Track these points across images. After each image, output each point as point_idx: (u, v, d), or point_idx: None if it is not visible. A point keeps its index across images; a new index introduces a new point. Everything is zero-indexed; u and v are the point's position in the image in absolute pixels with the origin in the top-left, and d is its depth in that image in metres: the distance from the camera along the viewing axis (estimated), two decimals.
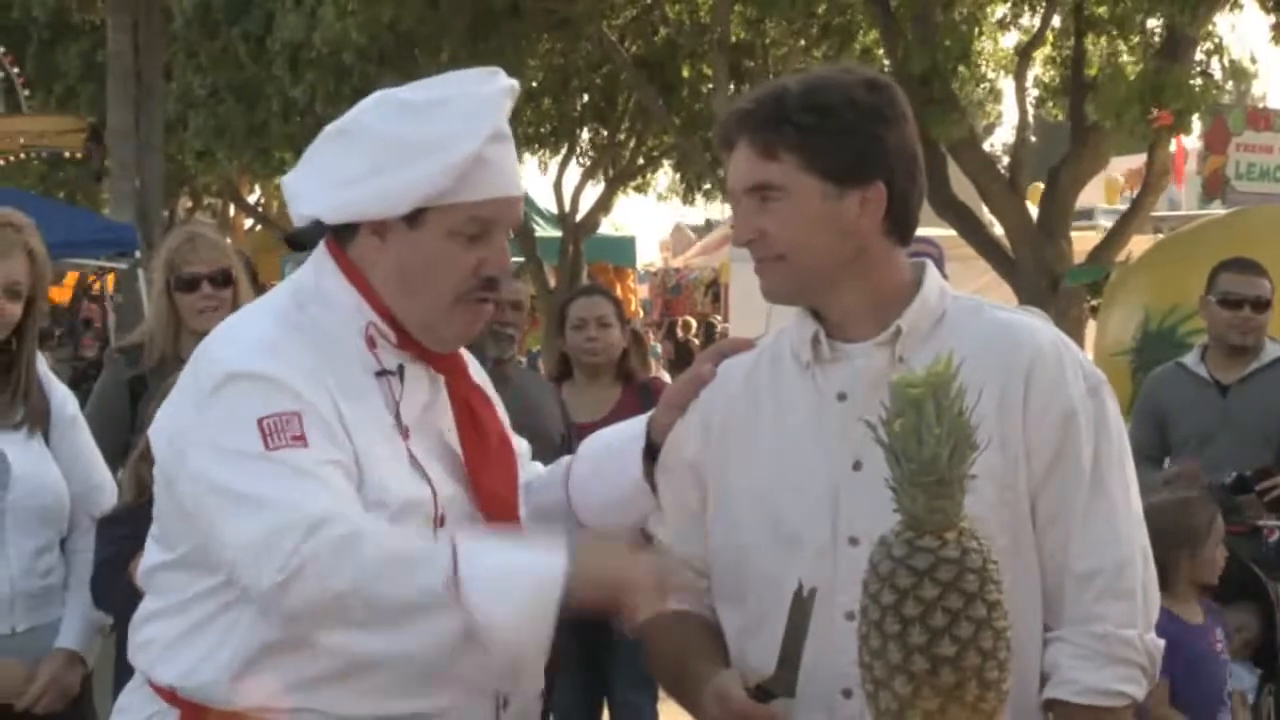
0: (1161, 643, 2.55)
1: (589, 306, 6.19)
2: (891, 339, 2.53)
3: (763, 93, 2.56)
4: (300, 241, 4.75)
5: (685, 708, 2.60)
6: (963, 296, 2.66)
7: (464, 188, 2.52)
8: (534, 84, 20.05)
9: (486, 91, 2.57)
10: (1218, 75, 14.59)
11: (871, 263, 2.56)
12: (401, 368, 2.56)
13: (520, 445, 2.85)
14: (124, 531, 3.79)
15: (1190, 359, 6.30)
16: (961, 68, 14.28)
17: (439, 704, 2.49)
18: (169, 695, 2.54)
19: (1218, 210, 14.40)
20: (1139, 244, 15.46)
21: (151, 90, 19.17)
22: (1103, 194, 22.15)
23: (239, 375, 2.44)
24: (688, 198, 24.27)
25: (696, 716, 2.53)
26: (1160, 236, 15.69)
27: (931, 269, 2.63)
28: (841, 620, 2.43)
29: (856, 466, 2.48)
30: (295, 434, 2.38)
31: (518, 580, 2.33)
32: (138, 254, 14.51)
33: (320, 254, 2.63)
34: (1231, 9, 14.19)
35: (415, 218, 2.52)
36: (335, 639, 2.36)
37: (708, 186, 23.26)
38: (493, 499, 2.60)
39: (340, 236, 2.60)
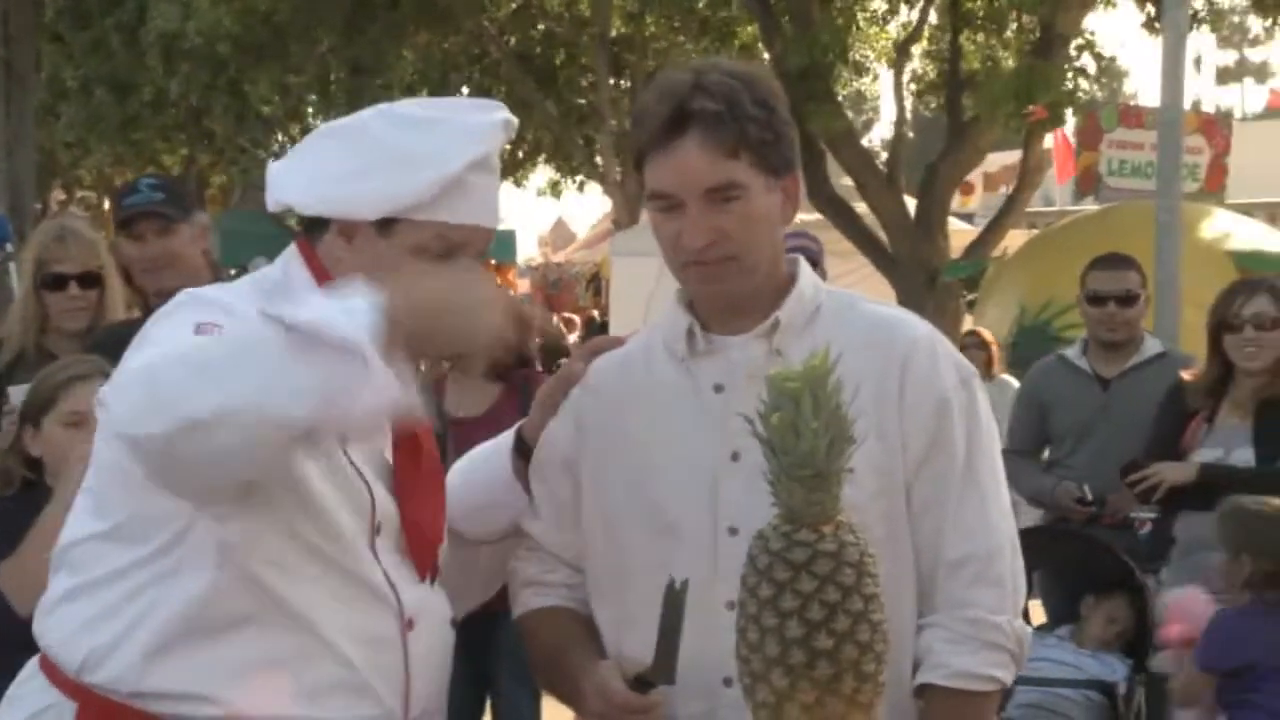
0: (1029, 629, 2.58)
1: None
2: (769, 331, 2.53)
3: (709, 87, 2.46)
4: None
5: (563, 701, 2.60)
6: (835, 291, 2.66)
7: (439, 207, 2.47)
8: (412, 76, 19.92)
9: (483, 120, 2.54)
10: (1091, 71, 14.80)
11: (776, 255, 2.57)
12: None
13: None
14: None
15: (1072, 352, 6.36)
16: (839, 63, 14.37)
17: (349, 715, 2.44)
18: (69, 685, 2.47)
19: (1091, 206, 14.62)
20: (1014, 239, 15.66)
21: (23, 81, 18.83)
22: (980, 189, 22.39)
23: (193, 298, 2.44)
24: (555, 190, 24.20)
25: (575, 709, 2.52)
26: (1035, 232, 15.92)
27: (804, 263, 2.62)
28: (722, 610, 2.42)
29: (735, 457, 2.47)
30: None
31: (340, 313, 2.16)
32: (9, 246, 14.25)
33: (290, 250, 2.59)
34: (1106, 6, 14.42)
35: (386, 226, 2.47)
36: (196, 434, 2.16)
37: (581, 179, 23.26)
38: (415, 526, 2.55)
39: (311, 235, 2.56)
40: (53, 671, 2.50)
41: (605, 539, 2.59)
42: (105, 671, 2.42)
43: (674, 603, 2.35)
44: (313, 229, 2.55)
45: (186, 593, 2.37)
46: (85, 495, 2.55)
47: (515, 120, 2.60)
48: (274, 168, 2.62)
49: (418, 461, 2.60)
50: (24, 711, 2.52)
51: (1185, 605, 4.97)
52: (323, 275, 2.51)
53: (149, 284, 4.63)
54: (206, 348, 2.23)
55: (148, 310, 4.04)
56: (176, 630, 2.39)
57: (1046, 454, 6.47)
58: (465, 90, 21.70)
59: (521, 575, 2.72)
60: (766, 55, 15.89)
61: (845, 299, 2.64)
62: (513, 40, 20.52)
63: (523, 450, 2.70)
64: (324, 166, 2.53)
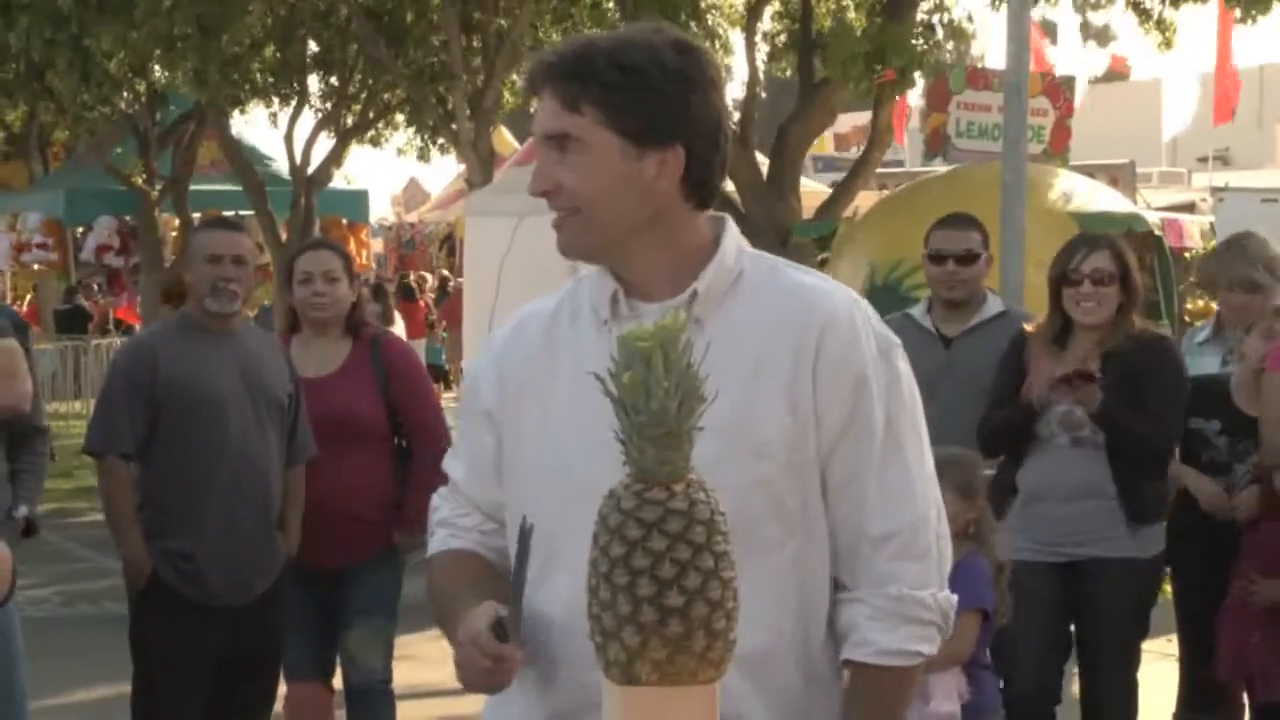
0: (955, 597, 2.62)
1: (316, 261, 6.10)
2: (688, 301, 2.54)
3: (569, 46, 2.56)
4: None
5: (450, 642, 2.61)
6: (760, 256, 2.67)
7: None
8: (259, 32, 19.59)
9: None
10: (939, 34, 14.93)
11: (669, 226, 2.57)
12: None
13: None
14: None
15: (917, 311, 6.45)
16: (692, 23, 14.35)
17: None
18: None
19: (939, 167, 14.78)
20: (865, 200, 15.79)
21: None
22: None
23: None
24: (424, 155, 23.97)
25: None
26: (885, 193, 16.06)
27: (731, 226, 2.64)
28: None
29: None
30: None
31: None
32: None
33: None
34: None
35: None
36: None
37: (442, 141, 23.05)
38: None
39: None
40: None
41: (521, 497, 2.60)
42: None
43: (524, 545, 2.38)
44: None
45: None
46: None
47: None
48: None
49: None
50: None
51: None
52: None
53: None
54: None
55: None
56: None
57: None
58: (313, 47, 21.40)
59: (438, 515, 2.78)
60: (618, 15, 15.85)
61: (768, 265, 2.65)
62: None
63: None
64: None
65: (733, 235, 2.63)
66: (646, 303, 2.57)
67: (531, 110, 2.71)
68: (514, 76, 19.57)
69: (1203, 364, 6.40)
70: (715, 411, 2.20)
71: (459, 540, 2.72)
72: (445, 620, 2.62)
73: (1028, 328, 5.93)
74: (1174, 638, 6.71)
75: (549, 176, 2.54)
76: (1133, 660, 5.76)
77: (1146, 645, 5.92)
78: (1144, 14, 14.91)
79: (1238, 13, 13.68)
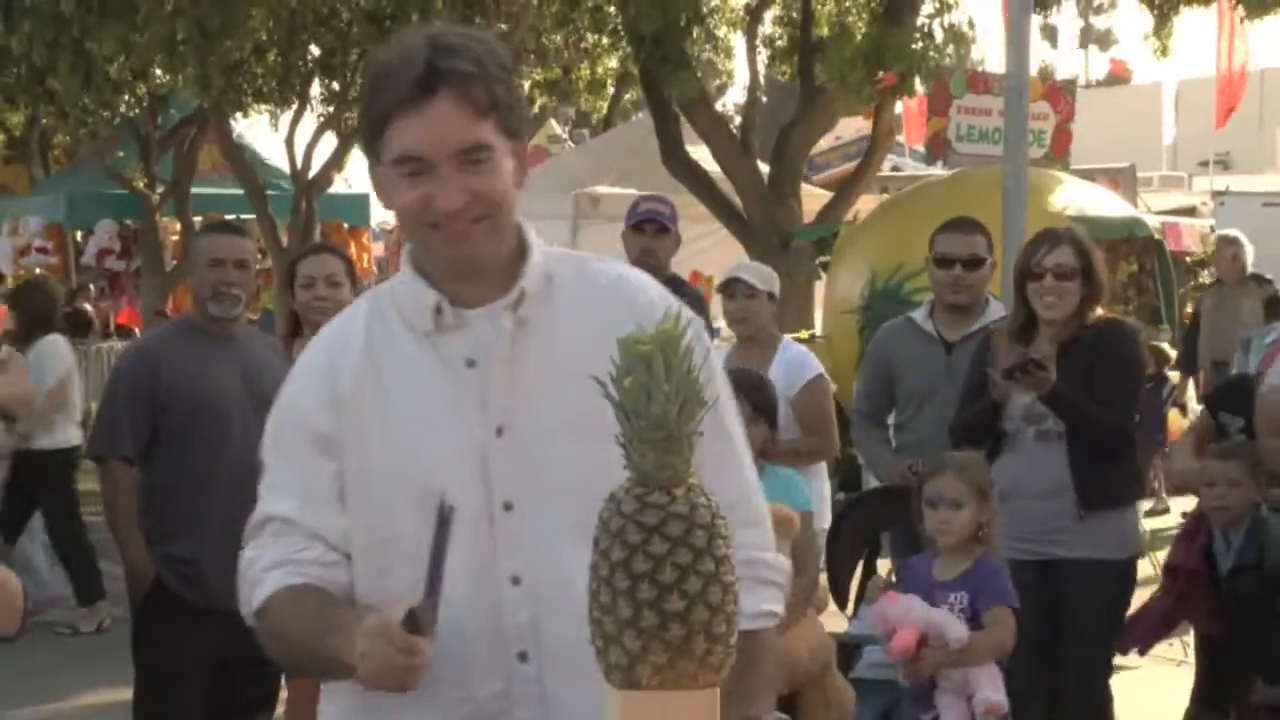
0: (788, 561, 2.70)
1: (318, 265, 6.09)
2: (515, 302, 2.51)
3: (458, 48, 2.44)
4: None
5: (323, 674, 2.52)
6: (561, 253, 2.66)
7: None
8: (261, 36, 19.59)
9: None
10: (939, 38, 14.94)
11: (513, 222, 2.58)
12: None
13: None
14: None
15: (919, 315, 6.45)
16: (694, 26, 14.37)
17: None
18: None
19: (940, 171, 14.80)
20: (865, 204, 15.81)
21: None
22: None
23: None
24: None
25: (337, 675, 2.45)
26: (886, 196, 16.07)
27: (529, 227, 2.61)
28: (507, 584, 2.47)
29: (499, 432, 2.48)
30: None
31: None
32: None
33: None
34: None
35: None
36: None
37: None
38: None
39: None
40: None
41: (371, 519, 2.52)
42: None
43: (443, 530, 2.34)
44: None
45: None
46: None
47: None
48: None
49: None
50: None
51: (901, 611, 5.01)
52: None
53: None
54: None
55: None
56: None
57: (893, 417, 6.57)
58: (315, 51, 21.39)
59: (265, 559, 2.57)
60: (619, 18, 15.86)
61: (574, 261, 2.65)
62: (362, 1, 20.21)
63: None
64: None
65: (535, 236, 2.60)
66: (469, 309, 2.53)
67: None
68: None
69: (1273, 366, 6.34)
70: (563, 412, 2.25)
71: (301, 577, 2.51)
72: (322, 638, 2.44)
73: (991, 326, 5.95)
74: (1175, 641, 6.71)
75: (463, 189, 2.44)
76: (1104, 661, 5.76)
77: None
78: (1162, 14, 14.91)
79: (1241, 11, 13.68)
